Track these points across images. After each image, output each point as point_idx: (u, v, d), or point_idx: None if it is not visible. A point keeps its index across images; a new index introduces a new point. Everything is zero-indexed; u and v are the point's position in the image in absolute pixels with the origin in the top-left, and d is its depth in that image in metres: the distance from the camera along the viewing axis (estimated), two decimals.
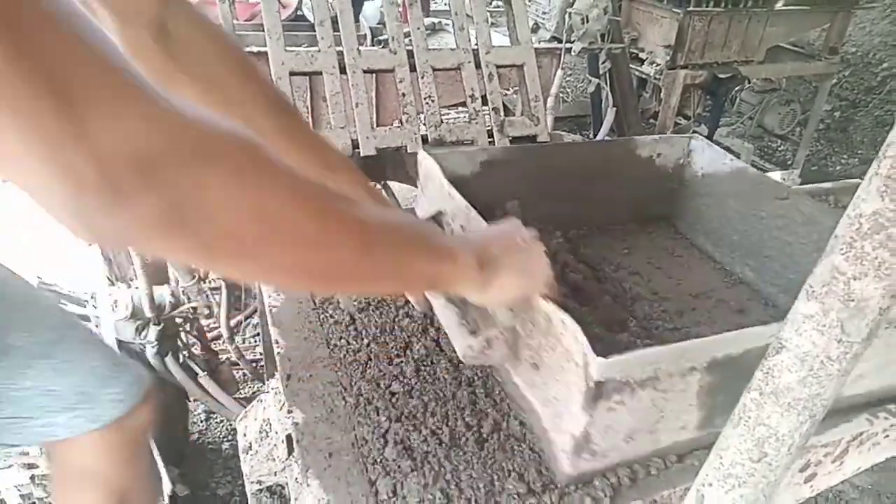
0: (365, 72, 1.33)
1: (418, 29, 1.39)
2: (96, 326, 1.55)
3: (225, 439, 2.09)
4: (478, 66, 1.42)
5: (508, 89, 2.18)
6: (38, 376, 0.86)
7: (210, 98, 0.75)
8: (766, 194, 1.17)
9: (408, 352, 0.97)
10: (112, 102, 0.36)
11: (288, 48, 1.30)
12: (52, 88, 0.34)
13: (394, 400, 0.88)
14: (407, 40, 1.39)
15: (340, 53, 1.34)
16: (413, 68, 1.37)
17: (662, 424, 0.77)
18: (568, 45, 2.28)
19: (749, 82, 3.72)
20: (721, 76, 3.14)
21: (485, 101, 1.45)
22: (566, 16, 2.28)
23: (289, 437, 1.13)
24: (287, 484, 1.34)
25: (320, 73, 1.31)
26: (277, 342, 0.97)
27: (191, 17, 0.75)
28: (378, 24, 2.89)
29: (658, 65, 3.00)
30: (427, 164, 1.04)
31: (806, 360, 0.51)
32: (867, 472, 1.11)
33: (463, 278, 0.65)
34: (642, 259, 1.27)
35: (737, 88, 3.77)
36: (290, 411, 0.86)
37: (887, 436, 0.91)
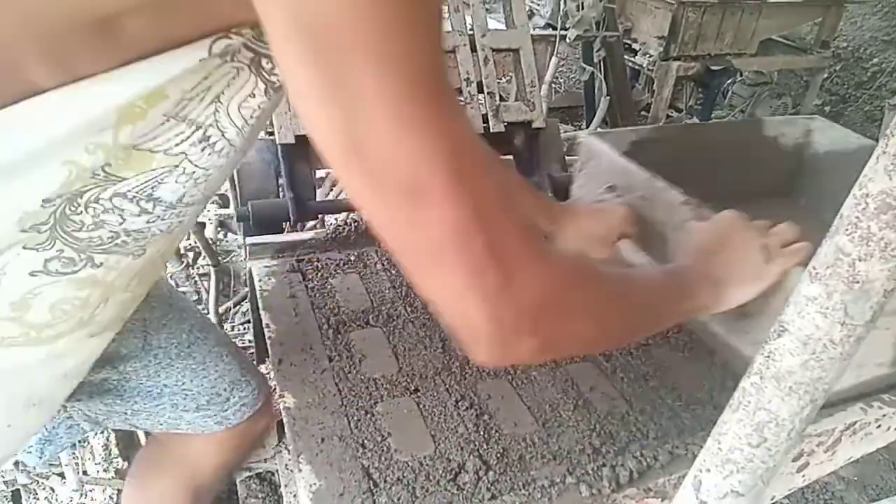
0: None
1: None
2: None
3: None
4: (473, 49, 1.40)
5: (501, 78, 2.16)
6: (174, 375, 0.87)
7: None
8: None
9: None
10: (528, 265, 0.48)
11: None
12: (497, 255, 0.45)
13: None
14: None
15: None
16: None
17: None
18: (563, 33, 2.26)
19: (741, 75, 3.72)
20: (714, 68, 3.14)
21: (479, 88, 1.44)
22: (561, 2, 2.26)
23: (280, 424, 1.12)
24: (276, 471, 1.33)
25: None
26: (268, 326, 0.96)
27: None
28: None
29: (651, 56, 3.00)
30: (592, 143, 1.15)
31: (808, 344, 0.50)
32: (852, 464, 1.11)
33: (702, 307, 0.74)
34: None
35: (729, 81, 3.77)
36: (281, 396, 0.84)
37: (879, 426, 0.91)
